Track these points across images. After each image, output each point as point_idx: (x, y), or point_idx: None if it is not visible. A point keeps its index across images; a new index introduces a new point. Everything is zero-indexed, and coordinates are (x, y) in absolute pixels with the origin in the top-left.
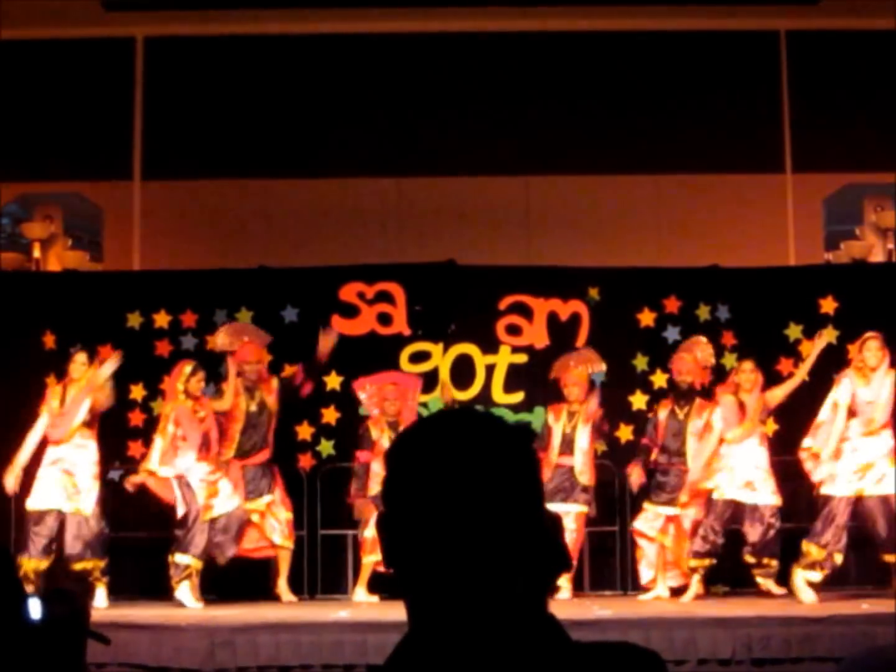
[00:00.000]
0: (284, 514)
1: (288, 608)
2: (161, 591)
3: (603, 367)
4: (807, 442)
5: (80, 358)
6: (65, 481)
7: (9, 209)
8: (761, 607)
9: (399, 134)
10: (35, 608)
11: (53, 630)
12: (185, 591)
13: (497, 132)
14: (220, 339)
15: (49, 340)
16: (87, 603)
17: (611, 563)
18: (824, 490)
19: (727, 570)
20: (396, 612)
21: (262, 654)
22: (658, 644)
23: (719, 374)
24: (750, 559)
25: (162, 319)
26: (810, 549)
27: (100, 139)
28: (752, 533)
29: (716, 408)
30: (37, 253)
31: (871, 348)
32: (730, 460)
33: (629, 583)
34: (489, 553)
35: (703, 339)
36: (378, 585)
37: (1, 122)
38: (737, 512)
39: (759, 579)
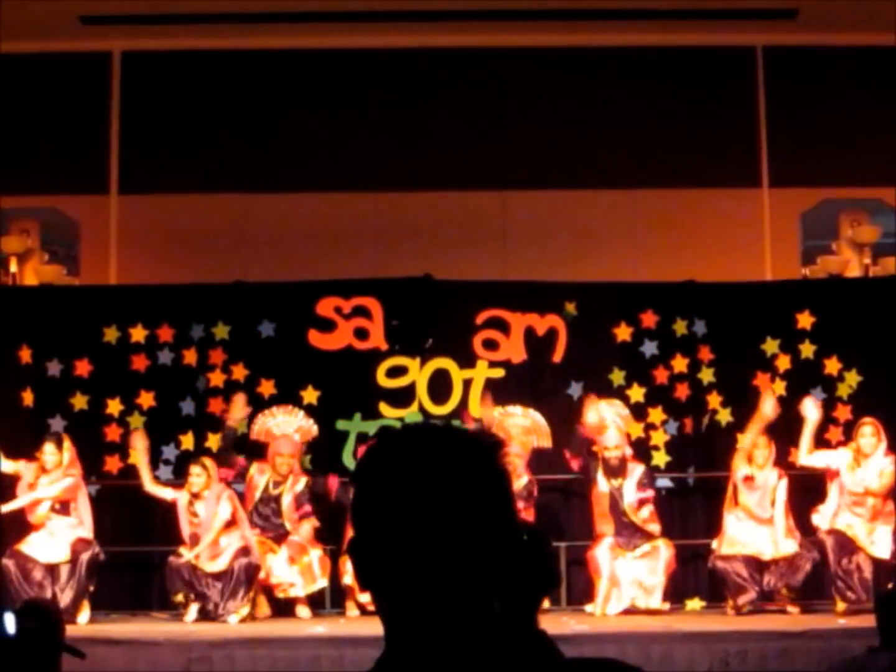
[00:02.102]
0: (315, 553)
1: (263, 624)
2: (139, 606)
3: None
4: (815, 519)
5: (49, 448)
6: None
7: None
8: (738, 622)
9: (376, 149)
10: (10, 622)
11: (28, 644)
12: None
13: (474, 147)
14: (257, 430)
15: (25, 355)
16: (61, 617)
17: (587, 578)
18: None
19: (703, 585)
20: (373, 627)
21: (238, 670)
22: (635, 659)
23: (696, 387)
24: (784, 592)
25: (138, 334)
26: None
27: (76, 153)
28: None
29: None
30: (13, 267)
31: (865, 434)
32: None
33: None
34: (462, 569)
35: (617, 404)
36: None
37: None
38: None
39: (786, 606)
